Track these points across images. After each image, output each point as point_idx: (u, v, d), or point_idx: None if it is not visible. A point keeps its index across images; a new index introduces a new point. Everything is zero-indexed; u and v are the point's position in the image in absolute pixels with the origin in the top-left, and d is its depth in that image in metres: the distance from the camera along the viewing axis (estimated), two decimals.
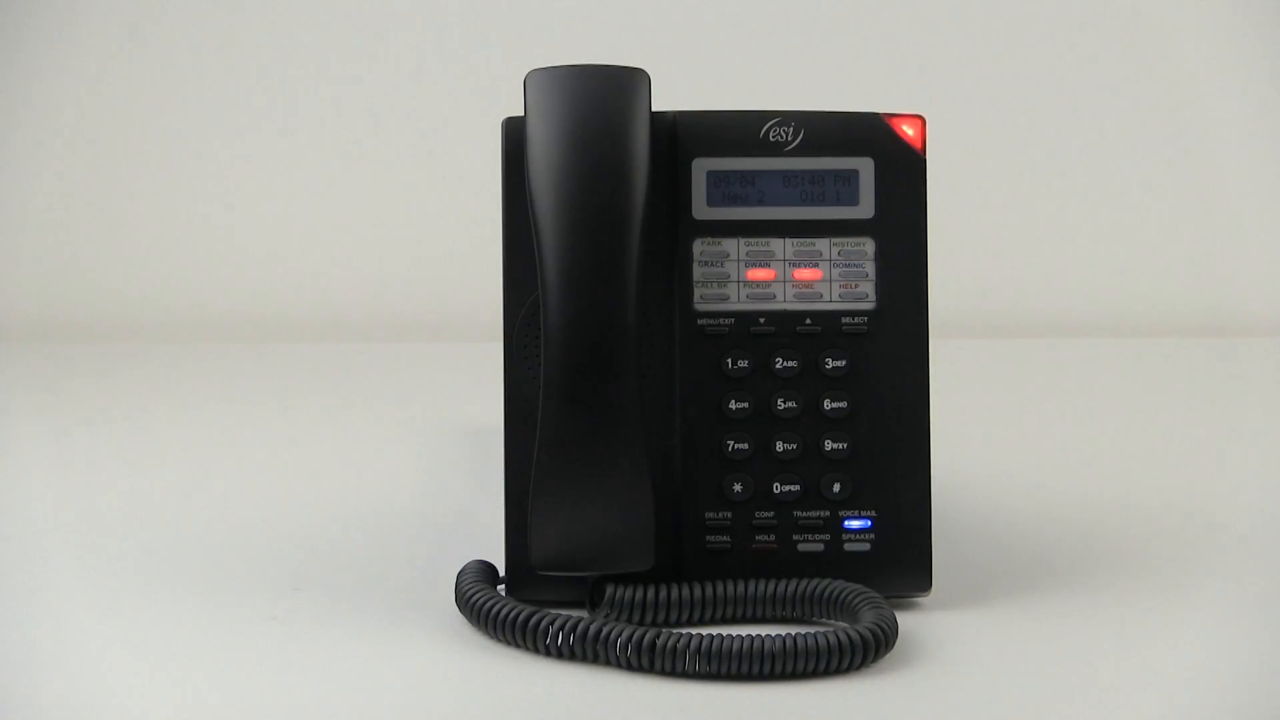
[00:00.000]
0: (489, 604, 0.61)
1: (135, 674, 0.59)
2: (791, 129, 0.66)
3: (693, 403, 0.65)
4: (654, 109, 0.64)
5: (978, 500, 0.90)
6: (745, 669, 0.56)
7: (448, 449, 1.12)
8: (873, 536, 0.65)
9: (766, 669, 0.56)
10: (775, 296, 0.66)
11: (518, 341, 0.65)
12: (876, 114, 0.67)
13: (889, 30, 2.14)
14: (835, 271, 0.66)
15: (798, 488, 0.65)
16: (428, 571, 0.71)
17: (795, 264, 0.66)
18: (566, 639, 0.58)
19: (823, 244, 0.66)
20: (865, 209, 0.66)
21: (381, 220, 2.10)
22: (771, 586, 0.63)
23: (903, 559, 0.65)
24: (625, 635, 0.57)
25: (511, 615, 0.60)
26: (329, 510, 0.88)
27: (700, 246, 0.66)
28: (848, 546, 0.65)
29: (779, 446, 0.65)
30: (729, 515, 0.65)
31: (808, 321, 0.66)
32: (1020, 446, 1.16)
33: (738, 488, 0.65)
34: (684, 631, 0.57)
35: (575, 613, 0.60)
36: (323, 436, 1.21)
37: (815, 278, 0.66)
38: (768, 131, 0.66)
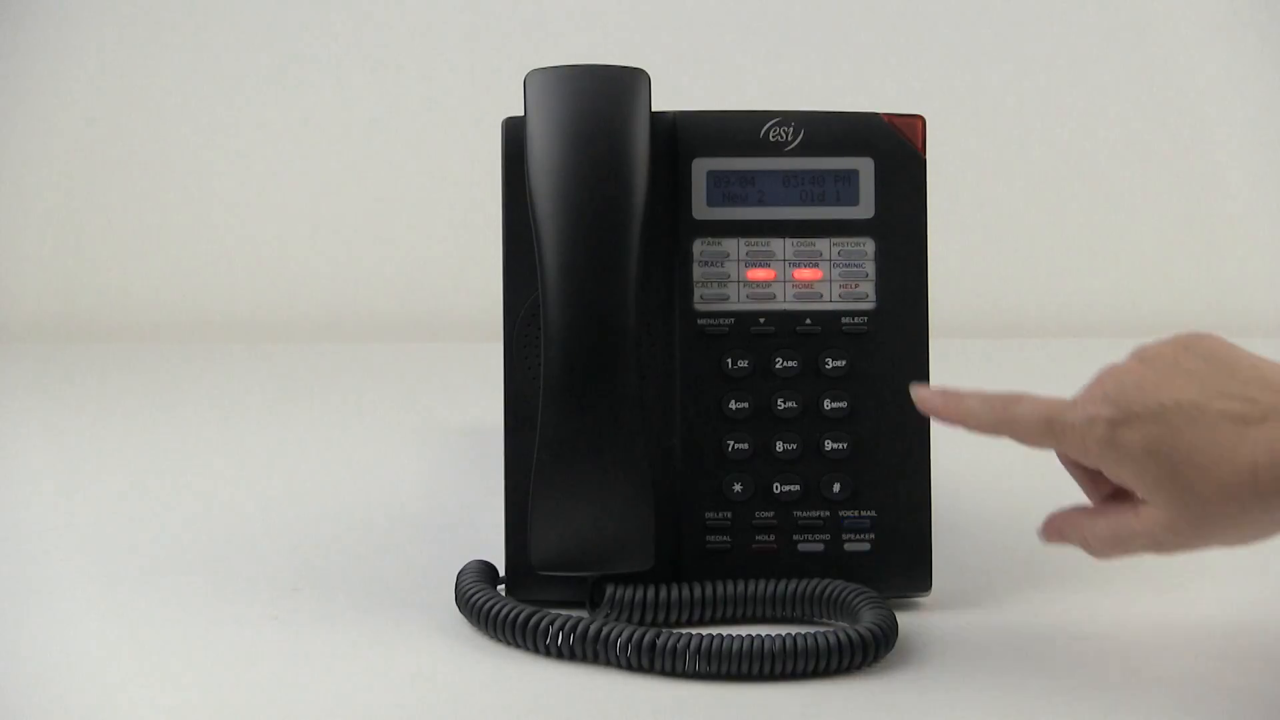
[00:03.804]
0: (489, 604, 0.61)
1: (135, 673, 0.59)
2: (791, 129, 0.66)
3: (693, 403, 0.65)
4: (654, 109, 0.64)
5: (978, 500, 0.90)
6: (745, 669, 0.56)
7: (448, 449, 1.12)
8: (873, 536, 0.65)
9: (766, 669, 0.56)
10: (775, 296, 0.66)
11: (518, 341, 0.65)
12: (876, 114, 0.66)
13: (889, 30, 2.13)
14: (835, 271, 0.66)
15: (798, 488, 0.65)
16: (428, 571, 0.71)
17: (795, 264, 0.66)
18: (566, 639, 0.58)
19: (823, 244, 0.66)
20: (865, 209, 0.66)
21: (381, 220, 2.10)
22: (771, 586, 0.62)
23: (903, 559, 0.65)
24: (625, 635, 0.57)
25: (511, 615, 0.60)
26: (329, 510, 0.88)
27: (700, 246, 0.66)
28: (848, 546, 0.65)
29: (779, 446, 0.65)
30: (729, 515, 0.65)
31: (808, 321, 0.66)
32: (1020, 446, 1.15)
33: (738, 488, 0.65)
34: (684, 631, 0.57)
35: (575, 613, 0.60)
36: (322, 436, 1.21)
37: (815, 278, 0.66)
38: (768, 131, 0.66)
